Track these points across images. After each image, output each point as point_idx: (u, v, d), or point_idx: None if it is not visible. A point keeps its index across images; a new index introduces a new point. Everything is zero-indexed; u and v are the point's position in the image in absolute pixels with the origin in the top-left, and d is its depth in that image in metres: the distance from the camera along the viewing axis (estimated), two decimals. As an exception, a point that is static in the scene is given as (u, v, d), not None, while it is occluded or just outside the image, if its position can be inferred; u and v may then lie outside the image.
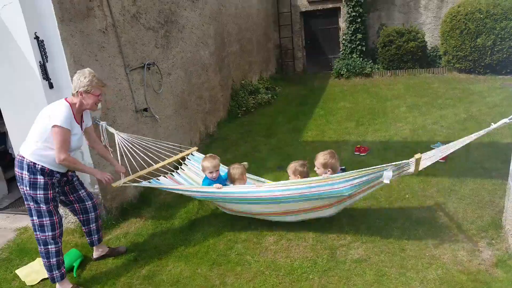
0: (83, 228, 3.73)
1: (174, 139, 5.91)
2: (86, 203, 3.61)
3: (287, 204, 3.68)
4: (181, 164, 4.55)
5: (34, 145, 3.19)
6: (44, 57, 3.90)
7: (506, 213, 3.56)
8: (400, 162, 3.23)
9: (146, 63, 5.19)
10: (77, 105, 3.28)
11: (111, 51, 4.58)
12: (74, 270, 3.69)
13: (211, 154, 4.26)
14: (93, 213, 3.67)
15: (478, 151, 5.26)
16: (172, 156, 4.51)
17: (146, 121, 5.21)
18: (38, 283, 3.61)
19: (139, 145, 4.14)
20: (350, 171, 3.40)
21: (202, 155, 4.54)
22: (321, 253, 3.57)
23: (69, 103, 3.27)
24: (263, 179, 4.27)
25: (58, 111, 3.16)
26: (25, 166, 3.18)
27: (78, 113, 3.33)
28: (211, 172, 3.99)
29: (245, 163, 4.24)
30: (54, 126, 3.12)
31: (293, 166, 3.96)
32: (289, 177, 4.01)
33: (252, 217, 4.09)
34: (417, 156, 3.14)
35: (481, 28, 8.66)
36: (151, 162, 4.27)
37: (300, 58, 12.05)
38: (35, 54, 3.85)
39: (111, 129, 4.09)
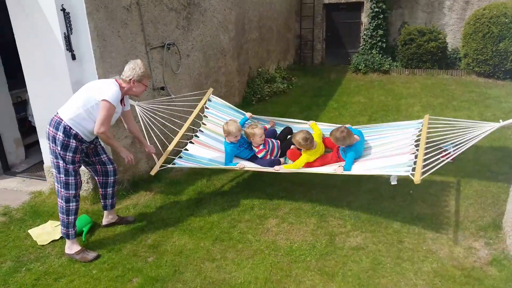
0: (100, 190, 3.91)
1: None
2: (108, 166, 3.82)
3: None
4: (201, 119, 4.86)
5: (75, 111, 3.41)
6: (69, 29, 4.04)
7: (507, 215, 3.61)
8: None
9: (167, 43, 5.31)
10: (125, 89, 3.59)
11: (134, 29, 4.70)
12: (83, 234, 3.87)
13: (230, 118, 4.65)
14: (112, 177, 3.87)
15: (487, 154, 5.27)
16: (192, 112, 4.83)
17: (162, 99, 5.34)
18: (48, 243, 3.80)
19: (160, 111, 4.39)
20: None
21: (218, 98, 5.05)
22: (320, 238, 3.68)
23: (119, 84, 3.54)
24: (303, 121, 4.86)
25: (111, 89, 3.44)
26: (61, 128, 3.39)
27: (122, 96, 3.61)
28: (236, 137, 4.34)
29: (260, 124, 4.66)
30: (104, 100, 3.37)
31: (298, 140, 4.19)
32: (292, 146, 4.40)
33: (256, 200, 4.33)
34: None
35: (505, 32, 8.53)
36: (174, 127, 4.60)
37: (319, 50, 12.03)
38: (60, 25, 3.99)
39: (131, 101, 4.23)
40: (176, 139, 4.54)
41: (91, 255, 3.56)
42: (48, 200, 4.49)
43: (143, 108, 4.29)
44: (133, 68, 3.57)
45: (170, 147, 4.44)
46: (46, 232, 3.96)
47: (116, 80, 3.59)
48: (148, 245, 3.71)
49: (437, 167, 3.37)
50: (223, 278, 3.26)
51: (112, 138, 3.66)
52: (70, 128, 3.39)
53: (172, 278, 3.28)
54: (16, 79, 5.28)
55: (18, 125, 5.46)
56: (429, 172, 3.36)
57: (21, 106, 5.92)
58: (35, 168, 5.31)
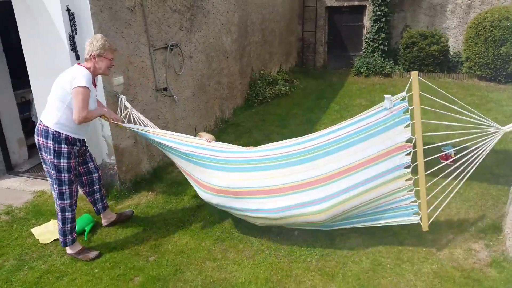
0: (88, 198, 3.90)
1: (190, 120, 6.08)
2: (93, 175, 3.78)
3: (276, 170, 3.48)
4: None
5: (56, 114, 3.32)
6: (74, 30, 4.08)
7: (507, 217, 3.62)
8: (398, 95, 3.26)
9: (170, 44, 5.35)
10: (91, 70, 3.39)
11: (137, 30, 4.74)
12: (85, 234, 3.90)
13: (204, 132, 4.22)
14: (97, 185, 3.84)
15: (488, 156, 5.19)
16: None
17: (165, 100, 5.38)
18: (50, 242, 3.83)
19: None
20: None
21: None
22: (321, 239, 3.70)
23: (84, 67, 3.37)
24: None
25: (80, 74, 3.26)
26: (50, 135, 3.32)
27: (93, 77, 3.42)
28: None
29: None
30: (77, 87, 3.20)
31: None
32: None
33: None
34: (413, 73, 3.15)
35: (507, 36, 8.56)
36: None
37: (322, 53, 12.07)
38: (65, 26, 4.04)
39: (128, 104, 4.23)
40: (142, 128, 3.90)
41: (93, 253, 3.59)
42: (50, 199, 4.52)
43: (135, 115, 4.10)
44: (90, 42, 3.35)
45: (134, 124, 3.93)
46: (48, 231, 3.99)
47: (79, 64, 3.41)
48: (149, 244, 3.74)
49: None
50: (224, 277, 3.28)
51: (94, 111, 3.42)
52: (59, 133, 3.31)
53: (173, 277, 3.30)
54: (20, 79, 5.33)
55: (22, 125, 5.50)
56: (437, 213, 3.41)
57: (25, 106, 5.96)
58: (38, 168, 5.34)
